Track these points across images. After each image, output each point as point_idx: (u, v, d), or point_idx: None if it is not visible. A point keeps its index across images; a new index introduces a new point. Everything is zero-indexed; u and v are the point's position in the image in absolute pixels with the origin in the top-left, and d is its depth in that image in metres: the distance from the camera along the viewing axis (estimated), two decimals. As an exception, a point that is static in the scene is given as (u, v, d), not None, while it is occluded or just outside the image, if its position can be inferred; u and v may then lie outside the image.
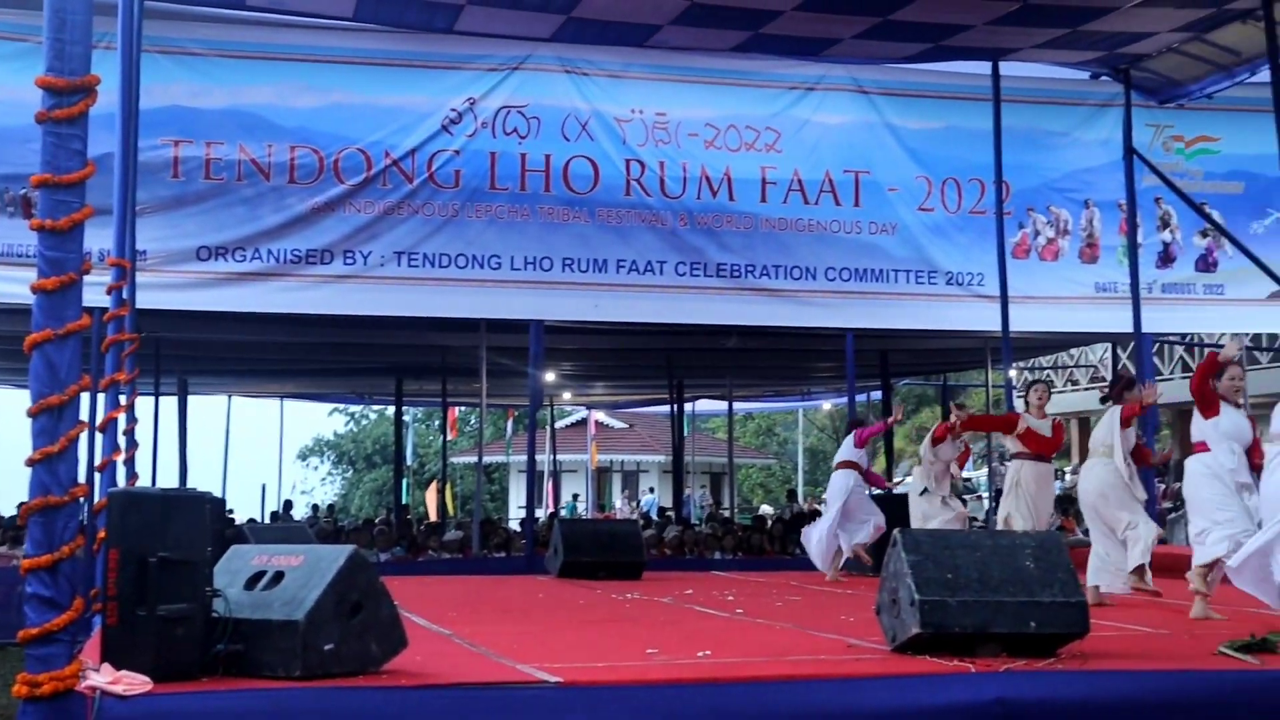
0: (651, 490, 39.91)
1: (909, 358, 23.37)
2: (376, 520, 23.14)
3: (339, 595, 5.50)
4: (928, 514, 12.67)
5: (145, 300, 11.73)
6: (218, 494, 14.81)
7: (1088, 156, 16.96)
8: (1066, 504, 17.65)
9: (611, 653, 6.79)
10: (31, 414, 5.15)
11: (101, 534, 6.30)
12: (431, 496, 29.93)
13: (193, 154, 14.53)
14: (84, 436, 6.07)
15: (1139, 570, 9.43)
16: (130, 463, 10.34)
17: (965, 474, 19.15)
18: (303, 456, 48.00)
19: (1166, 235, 17.27)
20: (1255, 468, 8.56)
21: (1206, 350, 26.44)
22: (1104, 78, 15.57)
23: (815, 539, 13.48)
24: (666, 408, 27.76)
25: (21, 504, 6.42)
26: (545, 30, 14.01)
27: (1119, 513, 9.52)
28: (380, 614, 5.68)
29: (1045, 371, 31.90)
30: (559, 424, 36.48)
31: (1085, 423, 30.73)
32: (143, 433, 13.02)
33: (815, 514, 23.30)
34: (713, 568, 16.10)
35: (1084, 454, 12.23)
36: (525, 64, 15.38)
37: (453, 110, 15.24)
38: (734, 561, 17.09)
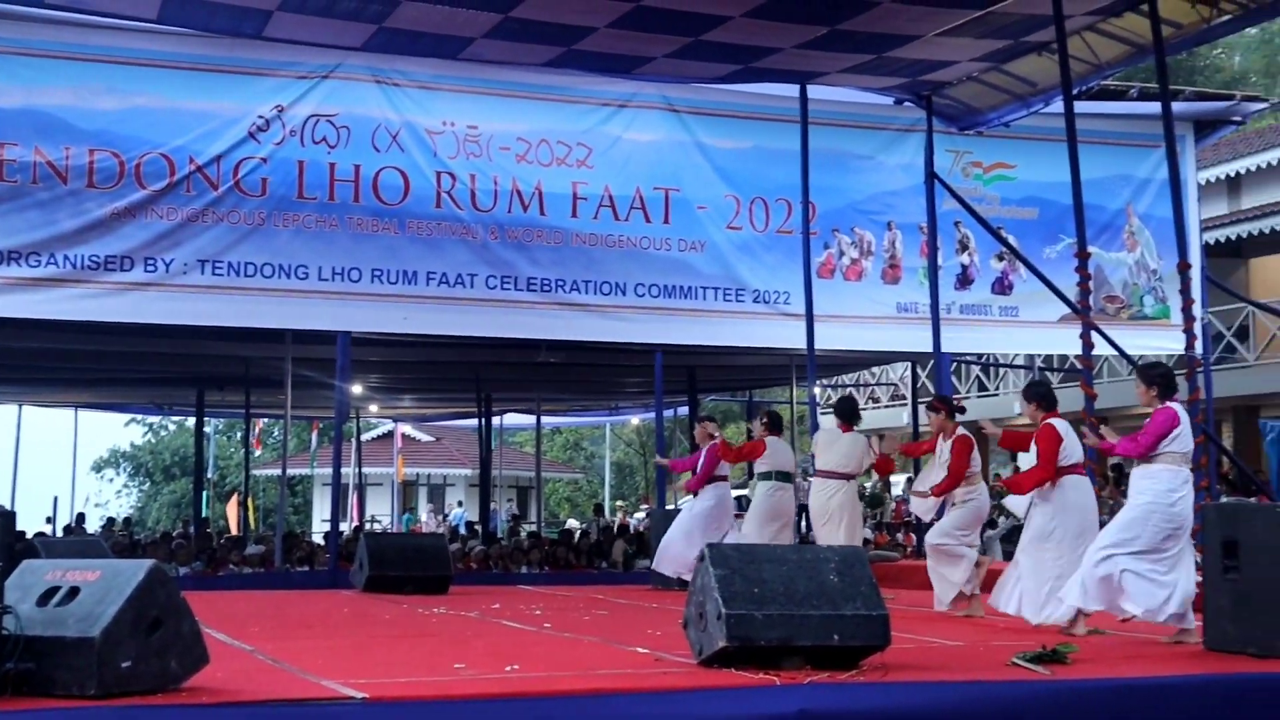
0: (460, 504, 39.69)
1: (716, 374, 23.66)
2: (175, 534, 22.60)
3: (138, 611, 5.35)
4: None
5: (-68, 305, 11.30)
6: (7, 507, 14.32)
7: (891, 180, 17.39)
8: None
9: (417, 668, 6.74)
10: None
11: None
12: (233, 509, 29.32)
13: (-16, 155, 14.04)
14: None
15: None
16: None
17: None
18: (98, 468, 46.69)
19: (965, 258, 17.78)
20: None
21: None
22: (907, 104, 15.96)
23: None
24: (474, 421, 27.65)
25: None
26: (356, 39, 13.85)
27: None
28: (181, 630, 5.55)
29: (848, 389, 32.57)
30: (365, 436, 36.08)
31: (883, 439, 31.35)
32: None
33: (625, 528, 23.46)
34: (519, 582, 16.07)
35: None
36: (335, 73, 15.20)
37: (260, 117, 14.97)
38: (541, 576, 17.08)
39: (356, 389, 22.34)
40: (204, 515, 26.96)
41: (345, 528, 23.26)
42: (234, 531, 25.89)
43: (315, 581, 15.07)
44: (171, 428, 45.50)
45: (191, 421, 29.67)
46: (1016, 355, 23.20)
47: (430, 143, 15.58)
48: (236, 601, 11.34)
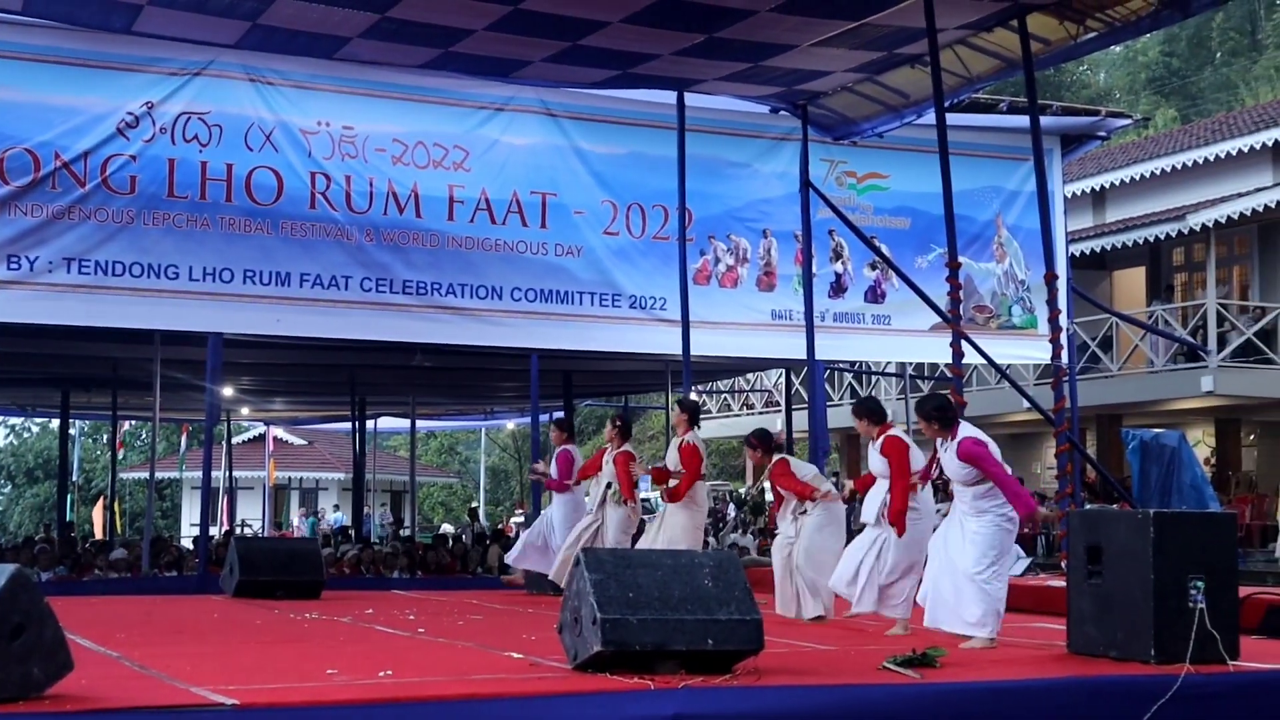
0: (337, 508, 39.28)
1: (592, 379, 23.70)
2: (38, 538, 22.10)
3: (-1, 617, 5.24)
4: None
5: None
6: None
7: (767, 188, 17.53)
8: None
9: (290, 673, 6.67)
10: None
11: None
12: (99, 514, 28.77)
13: None
14: None
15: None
16: None
17: (645, 494, 19.47)
18: (-45, 472, 45.58)
19: (839, 266, 17.99)
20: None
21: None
22: (783, 112, 16.08)
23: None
24: (348, 424, 27.40)
25: None
26: (229, 36, 13.64)
27: None
28: (43, 636, 5.43)
29: (723, 395, 32.80)
30: (236, 439, 35.58)
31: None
32: None
33: (499, 533, 23.38)
34: (393, 586, 15.95)
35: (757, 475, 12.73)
36: (208, 70, 14.95)
37: (129, 114, 14.68)
38: (414, 580, 16.97)
39: (228, 391, 22.03)
40: (68, 519, 26.40)
41: (215, 532, 22.92)
42: (99, 535, 25.39)
43: (184, 587, 14.81)
44: (35, 429, 44.54)
45: (56, 423, 29.07)
46: (889, 363, 23.52)
47: (305, 143, 15.40)
48: (102, 607, 11.11)
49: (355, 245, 15.50)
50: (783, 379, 26.77)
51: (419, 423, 29.27)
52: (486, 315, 16.04)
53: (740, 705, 5.93)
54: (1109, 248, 24.72)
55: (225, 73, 15.01)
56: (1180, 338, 22.91)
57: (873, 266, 18.03)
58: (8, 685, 5.21)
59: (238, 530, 30.34)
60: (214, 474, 18.25)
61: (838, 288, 17.98)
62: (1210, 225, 22.82)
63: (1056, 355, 12.53)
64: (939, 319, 15.43)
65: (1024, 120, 15.08)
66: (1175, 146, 25.90)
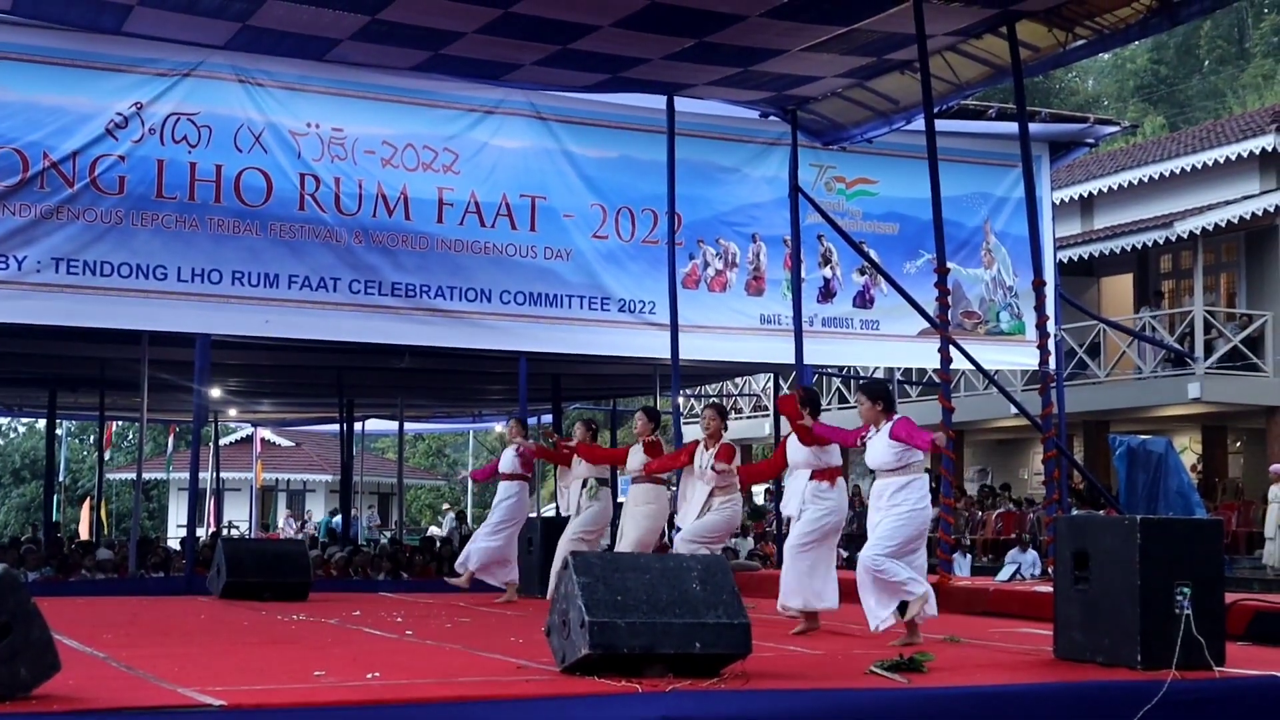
0: (336, 512, 39.18)
1: (581, 382, 23.69)
2: (24, 538, 22.07)
3: (-14, 617, 5.24)
4: None
5: None
6: None
7: (756, 192, 17.54)
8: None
9: (277, 675, 6.66)
10: None
11: None
12: (85, 514, 28.72)
13: None
14: None
15: None
16: None
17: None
18: (-59, 472, 45.47)
19: (828, 271, 18.01)
20: None
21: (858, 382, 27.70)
22: (772, 117, 16.11)
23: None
24: (336, 426, 27.37)
25: None
26: (219, 37, 13.64)
27: None
28: (30, 636, 5.42)
29: (711, 399, 32.81)
30: (223, 441, 35.53)
31: (748, 449, 31.73)
32: None
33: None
34: (380, 589, 15.93)
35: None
36: (197, 71, 14.91)
37: (118, 114, 14.65)
38: (402, 583, 16.96)
39: (215, 392, 22.00)
40: (55, 519, 26.34)
41: (202, 533, 22.89)
42: (85, 536, 25.34)
43: (171, 588, 14.78)
44: (22, 429, 44.43)
45: (43, 423, 29.01)
46: (877, 368, 23.56)
47: (294, 144, 15.39)
48: (89, 608, 11.09)
49: (344, 247, 15.48)
50: (771, 384, 26.79)
51: (407, 425, 29.28)
52: (475, 318, 16.03)
53: (727, 709, 5.94)
54: (1097, 254, 24.78)
55: (215, 74, 14.98)
56: (1167, 344, 22.98)
57: (861, 272, 18.05)
58: (-6, 685, 5.21)
59: (224, 532, 30.31)
60: (201, 475, 18.23)
61: (826, 293, 18.00)
62: (1198, 233, 22.91)
63: (1044, 361, 12.56)
64: (927, 324, 15.45)
65: (1013, 127, 15.15)
66: (1163, 154, 25.98)
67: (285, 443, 42.31)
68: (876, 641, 8.56)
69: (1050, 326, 13.17)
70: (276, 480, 42.77)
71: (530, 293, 16.27)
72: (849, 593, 9.12)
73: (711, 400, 9.99)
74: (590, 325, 16.60)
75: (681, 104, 15.34)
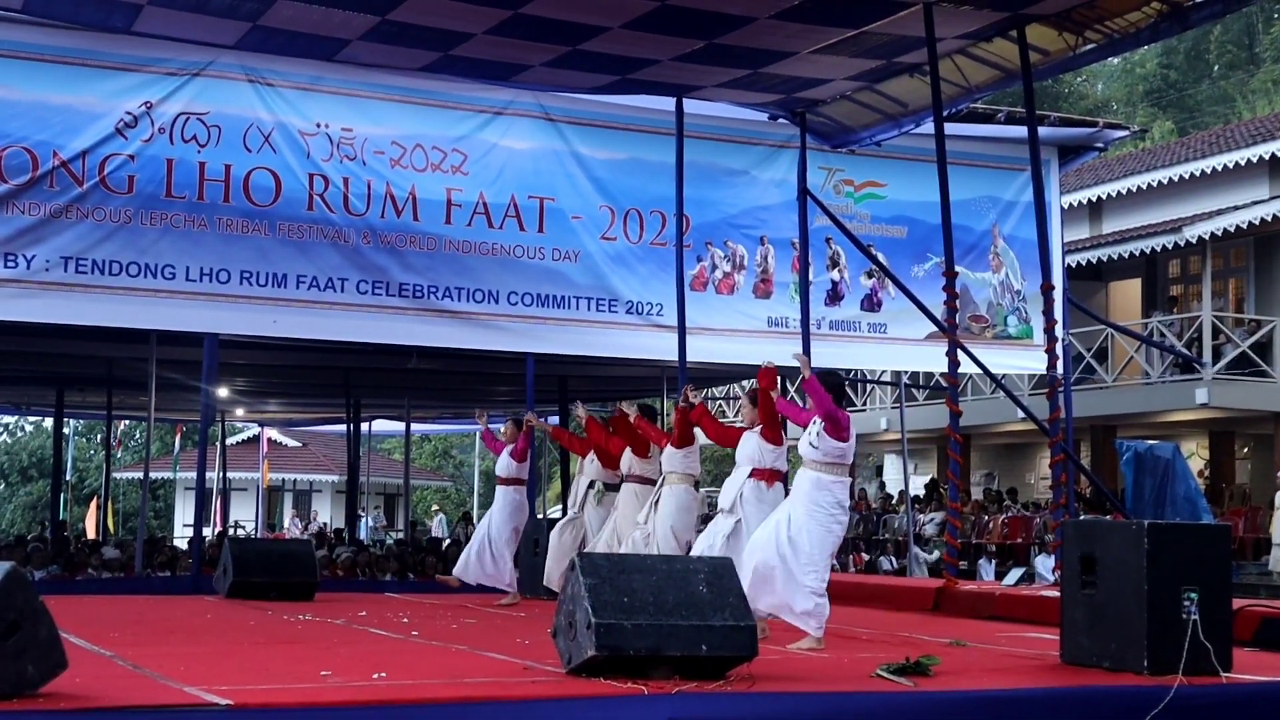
0: (363, 510, 39.08)
1: (588, 383, 23.68)
2: (31, 537, 22.10)
3: (-6, 615, 5.24)
4: None
5: None
6: None
7: (764, 195, 17.53)
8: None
9: (283, 674, 6.67)
10: None
11: None
12: (92, 513, 28.77)
13: None
14: None
15: None
16: None
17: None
18: (-52, 470, 45.55)
19: (835, 274, 18.00)
20: None
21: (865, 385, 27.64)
22: (781, 120, 16.09)
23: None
24: (342, 427, 27.39)
25: None
26: (229, 37, 13.65)
27: None
28: (38, 634, 5.43)
29: (718, 401, 32.78)
30: (230, 440, 35.55)
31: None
32: None
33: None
34: (386, 589, 15.93)
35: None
36: (207, 70, 14.94)
37: (128, 114, 14.66)
38: (408, 583, 16.95)
39: (223, 392, 22.02)
40: (62, 518, 26.38)
41: (209, 533, 22.91)
42: (91, 535, 25.37)
43: (177, 587, 14.79)
44: (29, 428, 44.49)
45: (50, 422, 29.05)
46: (884, 371, 23.53)
47: (303, 144, 15.40)
48: (96, 607, 11.10)
49: (352, 247, 15.49)
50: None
51: (414, 426, 29.28)
52: (483, 319, 16.04)
53: (733, 711, 5.94)
54: (1105, 259, 24.74)
55: (224, 73, 15.00)
56: (1175, 350, 22.94)
57: (869, 275, 18.03)
58: (1, 683, 5.21)
59: (230, 532, 30.33)
60: (208, 475, 18.24)
61: (834, 295, 17.99)
62: (1206, 238, 22.86)
63: (1052, 366, 12.54)
64: (935, 328, 15.44)
65: (1022, 130, 15.11)
66: (1172, 159, 25.94)
67: (292, 443, 42.33)
68: (883, 645, 8.56)
69: (1058, 331, 13.15)
70: (283, 480, 42.79)
71: (538, 294, 16.28)
72: (847, 595, 9.11)
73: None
74: (598, 327, 16.61)
75: (690, 106, 15.33)
